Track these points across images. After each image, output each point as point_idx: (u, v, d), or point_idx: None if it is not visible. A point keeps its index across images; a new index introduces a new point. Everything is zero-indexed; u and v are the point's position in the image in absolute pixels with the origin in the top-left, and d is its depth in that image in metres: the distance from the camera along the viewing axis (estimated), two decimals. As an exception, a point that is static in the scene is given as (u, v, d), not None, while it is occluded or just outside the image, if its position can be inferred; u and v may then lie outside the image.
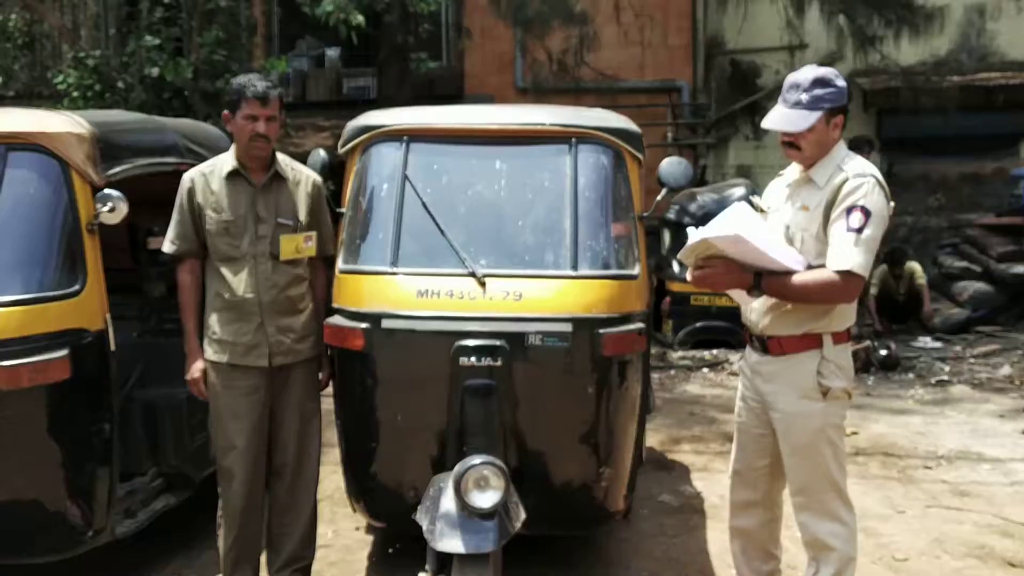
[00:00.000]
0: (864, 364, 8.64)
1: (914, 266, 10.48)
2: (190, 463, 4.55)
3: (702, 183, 12.93)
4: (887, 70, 12.86)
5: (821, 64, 3.50)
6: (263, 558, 4.15)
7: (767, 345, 3.49)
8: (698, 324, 9.42)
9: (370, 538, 4.82)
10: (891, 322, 10.37)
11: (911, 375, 8.54)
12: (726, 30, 14.11)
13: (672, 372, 8.79)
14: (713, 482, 5.52)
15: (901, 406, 7.48)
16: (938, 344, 9.75)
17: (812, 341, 3.38)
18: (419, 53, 11.62)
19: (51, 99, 11.14)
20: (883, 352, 8.78)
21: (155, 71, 9.43)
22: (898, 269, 10.35)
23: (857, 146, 8.78)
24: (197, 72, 9.55)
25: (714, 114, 14.18)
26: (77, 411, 3.71)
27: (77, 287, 3.71)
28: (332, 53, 14.19)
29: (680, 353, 9.34)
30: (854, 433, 6.54)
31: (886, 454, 6.14)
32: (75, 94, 9.70)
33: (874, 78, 13.01)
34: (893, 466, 5.91)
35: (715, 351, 9.23)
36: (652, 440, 6.44)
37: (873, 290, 10.23)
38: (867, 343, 8.84)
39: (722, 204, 9.00)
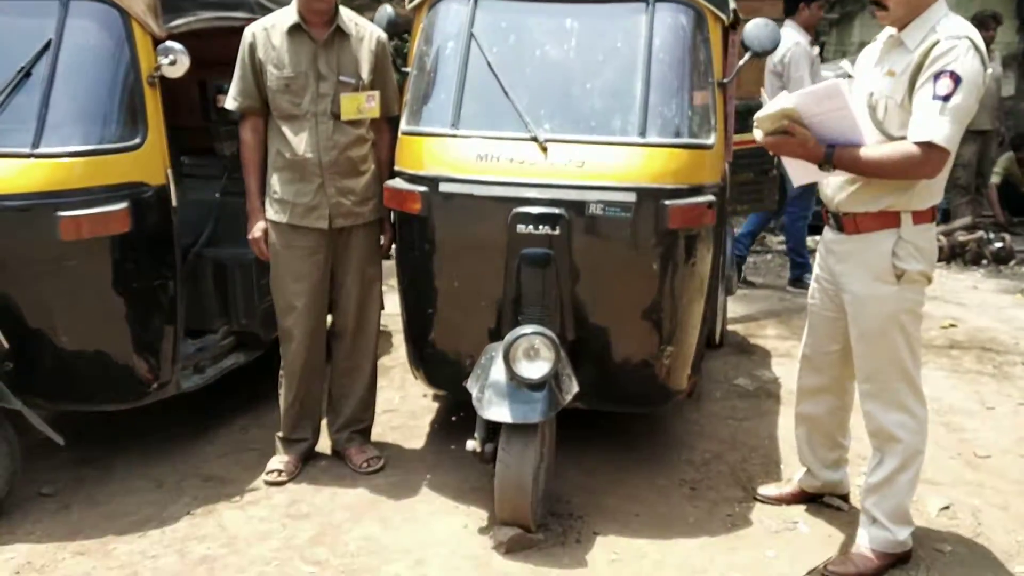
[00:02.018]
0: (975, 256, 8.22)
1: (1044, 154, 9.80)
2: (260, 323, 4.57)
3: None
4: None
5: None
6: (324, 420, 4.20)
7: (842, 222, 3.28)
8: (803, 209, 9.05)
9: (436, 405, 4.82)
10: (1012, 215, 9.76)
11: (1025, 270, 8.07)
12: None
13: (769, 256, 8.51)
14: (793, 368, 5.19)
15: (1008, 301, 7.07)
16: (1062, 240, 9.18)
17: (890, 219, 3.14)
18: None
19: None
20: (997, 244, 8.31)
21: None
22: (1026, 156, 9.70)
23: (982, 23, 8.14)
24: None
25: (839, -13, 13.37)
26: (138, 265, 3.73)
27: (138, 140, 3.69)
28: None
29: (781, 237, 9.02)
30: (952, 326, 6.23)
31: (983, 348, 5.82)
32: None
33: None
34: (989, 361, 5.59)
35: (819, 237, 8.86)
36: (736, 324, 6.26)
37: (995, 179, 9.62)
38: (980, 234, 8.38)
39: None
